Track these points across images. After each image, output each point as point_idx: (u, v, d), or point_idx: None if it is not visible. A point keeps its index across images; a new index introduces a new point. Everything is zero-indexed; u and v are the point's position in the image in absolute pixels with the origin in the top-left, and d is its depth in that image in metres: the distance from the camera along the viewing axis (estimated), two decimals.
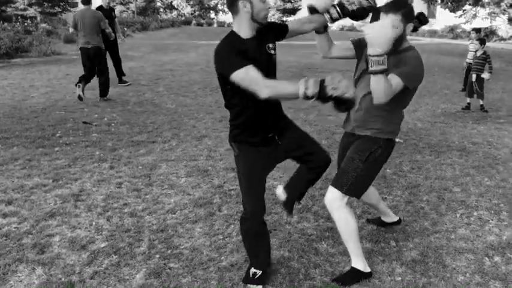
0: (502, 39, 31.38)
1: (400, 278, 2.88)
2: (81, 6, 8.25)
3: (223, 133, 6.03)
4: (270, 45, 2.46)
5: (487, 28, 29.83)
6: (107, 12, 9.07)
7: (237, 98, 2.42)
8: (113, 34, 8.63)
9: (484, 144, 6.04)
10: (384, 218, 3.51)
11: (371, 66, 2.31)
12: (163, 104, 7.91)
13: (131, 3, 41.28)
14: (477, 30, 10.69)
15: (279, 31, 2.57)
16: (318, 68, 13.13)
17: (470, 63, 8.86)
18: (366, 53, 2.43)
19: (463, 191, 4.35)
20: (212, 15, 49.62)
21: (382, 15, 2.54)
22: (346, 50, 2.94)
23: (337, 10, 2.70)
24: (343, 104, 2.12)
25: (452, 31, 34.87)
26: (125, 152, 5.20)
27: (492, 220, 3.75)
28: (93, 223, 3.51)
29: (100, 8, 9.15)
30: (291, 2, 45.59)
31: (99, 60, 8.14)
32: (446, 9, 19.65)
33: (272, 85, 2.20)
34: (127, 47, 17.32)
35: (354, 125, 2.82)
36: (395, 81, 2.46)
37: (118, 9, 39.39)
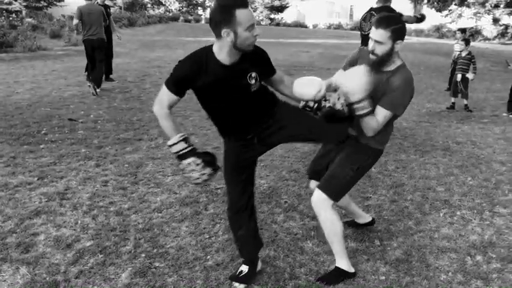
0: (487, 39, 31.75)
1: (384, 277, 2.92)
2: (68, 1, 8.42)
3: (210, 131, 6.03)
4: (253, 75, 2.34)
5: (472, 28, 30.14)
6: (104, 9, 9.30)
7: (202, 103, 2.45)
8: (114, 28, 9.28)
9: (468, 143, 6.13)
10: (357, 220, 3.53)
11: (356, 112, 2.48)
12: (150, 101, 7.86)
13: None
14: (462, 31, 10.80)
15: (266, 71, 2.48)
16: (306, 67, 13.17)
17: (455, 63, 8.95)
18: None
19: (447, 191, 4.41)
20: (200, 11, 49.39)
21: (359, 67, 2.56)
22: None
23: (312, 105, 2.55)
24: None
25: (438, 30, 35.16)
26: (111, 150, 5.18)
27: (475, 219, 3.81)
28: (79, 222, 3.49)
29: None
30: (279, 0, 45.59)
31: (100, 51, 8.61)
32: (433, 9, 19.82)
33: (158, 115, 2.40)
34: (114, 43, 17.21)
35: (351, 131, 2.82)
36: (383, 114, 2.57)
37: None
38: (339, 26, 40.62)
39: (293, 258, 3.10)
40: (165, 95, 2.32)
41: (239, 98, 2.35)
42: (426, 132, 6.62)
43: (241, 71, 2.29)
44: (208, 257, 3.08)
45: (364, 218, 3.52)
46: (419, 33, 36.44)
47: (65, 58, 13.11)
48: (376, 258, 3.13)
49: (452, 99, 8.57)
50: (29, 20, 20.58)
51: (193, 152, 2.34)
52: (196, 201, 3.92)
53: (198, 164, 2.31)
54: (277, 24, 41.34)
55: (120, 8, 38.30)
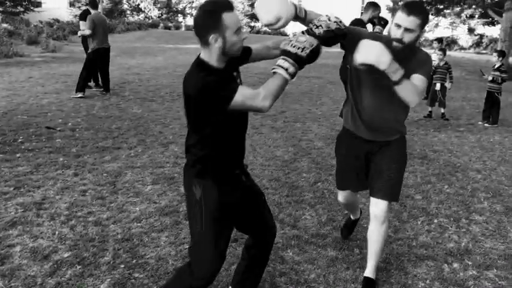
0: (463, 48, 32.45)
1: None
2: (46, 7, 8.34)
3: None
4: (235, 74, 2.24)
5: (448, 37, 30.79)
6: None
7: (210, 127, 2.14)
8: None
9: (445, 152, 6.24)
10: (353, 216, 3.50)
11: (392, 78, 2.31)
12: (129, 109, 7.81)
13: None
14: (439, 40, 11.02)
15: (242, 56, 2.28)
16: None
17: (433, 73, 9.10)
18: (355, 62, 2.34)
19: (424, 199, 4.48)
20: (180, 18, 49.30)
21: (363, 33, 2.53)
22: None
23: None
24: (315, 53, 2.16)
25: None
26: (90, 159, 5.11)
27: (451, 227, 3.88)
28: (56, 232, 3.44)
29: (87, 11, 9.24)
30: None
31: (106, 59, 8.94)
32: None
33: (267, 92, 2.03)
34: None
35: (375, 135, 2.79)
36: (421, 79, 2.49)
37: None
38: None
39: (273, 268, 3.10)
40: (245, 95, 2.02)
41: None
42: None
43: (231, 76, 2.20)
44: None
45: (357, 213, 3.53)
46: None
47: (42, 65, 12.93)
48: (355, 267, 3.16)
49: (429, 108, 8.72)
50: (5, 25, 20.25)
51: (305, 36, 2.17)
52: (176, 210, 3.89)
53: (293, 44, 2.11)
54: (258, 32, 41.49)
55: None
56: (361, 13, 6.01)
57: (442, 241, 3.63)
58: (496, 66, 8.40)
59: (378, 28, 5.70)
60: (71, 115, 7.14)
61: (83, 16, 9.21)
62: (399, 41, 2.45)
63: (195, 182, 2.19)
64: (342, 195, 3.14)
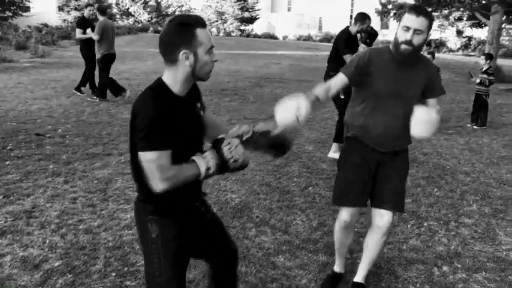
0: (451, 50, 32.72)
1: None
2: (35, 11, 8.33)
3: None
4: (199, 105, 2.05)
5: (437, 40, 31.04)
6: (90, 22, 9.36)
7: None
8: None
9: (434, 154, 6.29)
10: (338, 267, 3.19)
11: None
12: (120, 115, 7.79)
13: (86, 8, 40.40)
14: (428, 43, 11.12)
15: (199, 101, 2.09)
16: (276, 79, 13.27)
17: None
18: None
19: (414, 202, 4.52)
20: None
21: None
22: (342, 84, 2.71)
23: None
24: (239, 168, 1.98)
25: None
26: (80, 166, 5.10)
27: (441, 230, 3.92)
28: (47, 241, 3.42)
29: (83, 18, 9.42)
30: (249, 11, 45.90)
31: (111, 65, 9.05)
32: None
33: (171, 176, 1.80)
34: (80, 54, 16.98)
35: (389, 146, 2.73)
36: (435, 101, 2.67)
37: (72, 15, 38.40)
38: (308, 38, 41.13)
39: (265, 274, 3.11)
40: (159, 162, 1.79)
41: (194, 132, 2.02)
42: None
43: (193, 100, 2.02)
44: None
45: (344, 258, 3.28)
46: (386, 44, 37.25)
47: (31, 70, 12.84)
48: (346, 271, 3.18)
49: None
50: None
51: (219, 149, 1.92)
52: None
53: (231, 150, 1.91)
54: (248, 36, 41.57)
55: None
56: (353, 24, 5.83)
57: (431, 244, 3.66)
58: (484, 69, 8.49)
59: (361, 47, 5.53)
60: (61, 121, 7.10)
61: (80, 23, 9.30)
62: (408, 43, 2.43)
63: (150, 219, 1.96)
64: (348, 213, 2.82)
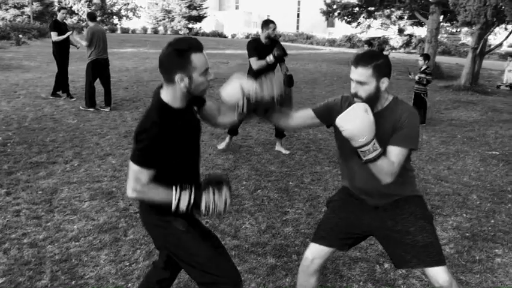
0: (394, 48, 33.92)
1: None
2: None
3: (128, 150, 5.95)
4: (195, 108, 2.27)
5: (380, 38, 32.06)
6: (63, 25, 9.48)
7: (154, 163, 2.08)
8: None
9: None
10: None
11: (364, 157, 2.15)
12: (64, 120, 7.60)
13: (26, 6, 38.83)
14: (369, 44, 11.49)
15: (199, 102, 2.30)
16: (225, 79, 13.26)
17: None
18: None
19: None
20: (115, 20, 48.16)
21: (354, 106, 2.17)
22: (309, 119, 2.60)
23: (243, 103, 2.33)
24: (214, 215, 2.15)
25: (350, 40, 37.03)
26: (23, 176, 4.95)
27: None
28: None
29: (55, 21, 9.43)
30: (197, 10, 45.63)
31: (107, 71, 8.82)
32: (343, 21, 20.91)
33: (141, 191, 2.06)
34: (21, 56, 16.34)
35: (381, 200, 2.45)
36: (397, 152, 2.23)
37: (11, 13, 36.85)
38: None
39: None
40: (139, 176, 2.04)
41: (192, 137, 2.24)
42: None
43: (191, 108, 2.22)
44: (130, 285, 3.07)
45: None
46: (332, 43, 38.13)
47: None
48: (293, 273, 3.28)
49: None
50: None
51: (199, 194, 2.09)
52: (115, 227, 3.87)
53: (214, 196, 2.09)
54: (196, 34, 41.35)
55: (29, 17, 36.41)
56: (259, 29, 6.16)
57: (374, 242, 3.82)
58: (422, 69, 8.89)
59: (268, 58, 5.65)
60: (1, 128, 6.84)
61: (53, 26, 9.30)
62: (355, 95, 2.27)
63: (170, 218, 2.15)
64: (310, 250, 2.55)
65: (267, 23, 5.91)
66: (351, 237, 2.54)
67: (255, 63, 5.68)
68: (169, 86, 2.07)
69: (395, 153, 2.23)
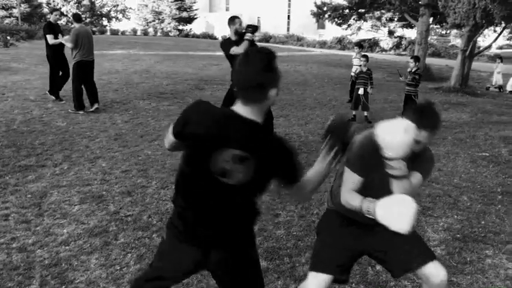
0: (384, 50, 34.10)
1: None
2: None
3: (118, 153, 5.91)
4: None
5: (370, 40, 32.23)
6: (57, 27, 9.42)
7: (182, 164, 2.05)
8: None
9: None
10: None
11: (390, 170, 2.20)
12: (54, 122, 7.53)
13: (14, 8, 38.53)
14: (360, 46, 11.54)
15: None
16: (216, 81, 13.28)
17: (356, 78, 9.49)
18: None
19: None
20: (105, 22, 47.93)
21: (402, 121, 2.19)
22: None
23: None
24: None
25: (340, 42, 37.12)
26: (12, 179, 4.89)
27: None
28: None
29: (49, 23, 9.38)
30: (187, 11, 45.57)
31: (91, 72, 8.73)
32: (334, 23, 20.98)
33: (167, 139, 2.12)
34: (9, 58, 16.18)
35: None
36: (419, 179, 2.37)
37: None
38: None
39: (206, 284, 3.15)
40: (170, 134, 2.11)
41: None
42: None
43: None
44: None
45: None
46: (322, 44, 38.25)
47: None
48: (286, 276, 3.28)
49: (353, 112, 9.12)
50: None
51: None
52: (106, 230, 3.83)
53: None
54: (186, 36, 41.29)
55: (17, 18, 36.12)
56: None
57: None
58: (413, 71, 8.94)
59: (248, 35, 5.88)
60: None
61: (48, 28, 9.19)
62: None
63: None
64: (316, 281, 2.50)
65: (232, 19, 6.10)
66: (351, 261, 2.62)
67: (238, 49, 5.72)
68: (258, 105, 1.91)
69: (418, 179, 2.36)
